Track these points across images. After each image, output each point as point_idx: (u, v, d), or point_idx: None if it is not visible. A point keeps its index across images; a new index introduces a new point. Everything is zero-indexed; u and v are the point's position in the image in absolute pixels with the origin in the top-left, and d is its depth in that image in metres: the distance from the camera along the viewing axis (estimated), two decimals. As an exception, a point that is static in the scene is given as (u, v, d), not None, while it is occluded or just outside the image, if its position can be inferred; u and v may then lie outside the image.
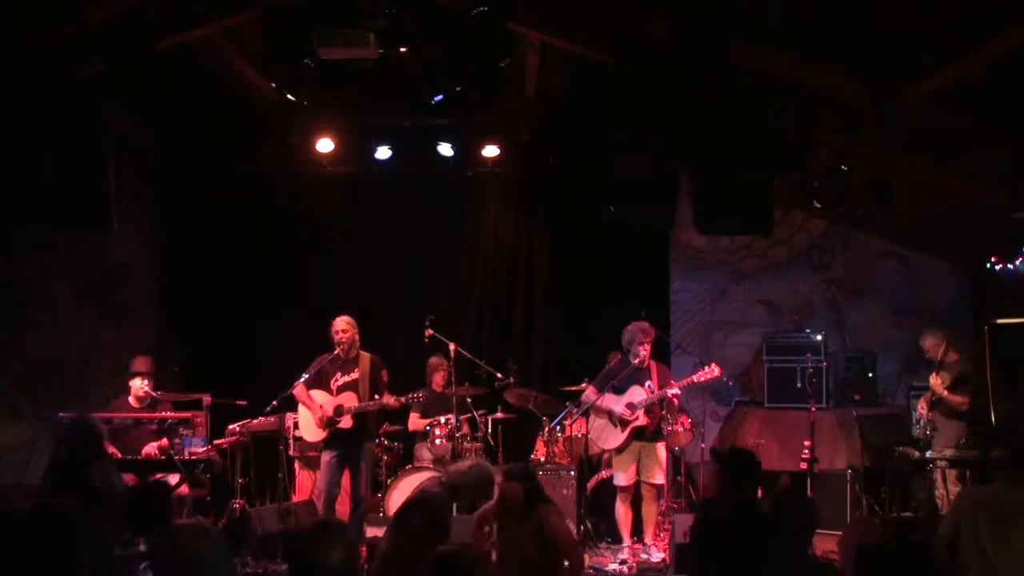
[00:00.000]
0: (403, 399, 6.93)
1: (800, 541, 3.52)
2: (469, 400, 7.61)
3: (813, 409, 7.21)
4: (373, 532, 5.85)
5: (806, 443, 7.00)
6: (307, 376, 6.82)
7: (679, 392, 6.77)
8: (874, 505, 7.43)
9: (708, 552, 3.52)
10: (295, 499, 7.41)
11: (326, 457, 6.79)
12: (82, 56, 6.11)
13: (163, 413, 7.05)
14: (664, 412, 6.83)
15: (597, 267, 8.75)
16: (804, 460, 6.96)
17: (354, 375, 6.86)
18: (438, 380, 7.69)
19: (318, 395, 6.89)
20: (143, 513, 4.07)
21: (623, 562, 6.67)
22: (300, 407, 6.94)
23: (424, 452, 7.51)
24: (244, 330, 8.69)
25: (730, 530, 3.47)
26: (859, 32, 5.38)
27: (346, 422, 6.74)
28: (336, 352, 6.84)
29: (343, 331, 6.85)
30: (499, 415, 7.73)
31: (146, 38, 6.06)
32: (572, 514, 7.08)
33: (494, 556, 4.80)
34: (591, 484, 7.40)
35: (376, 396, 6.81)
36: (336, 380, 6.86)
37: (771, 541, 3.19)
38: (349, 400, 6.80)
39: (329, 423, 6.77)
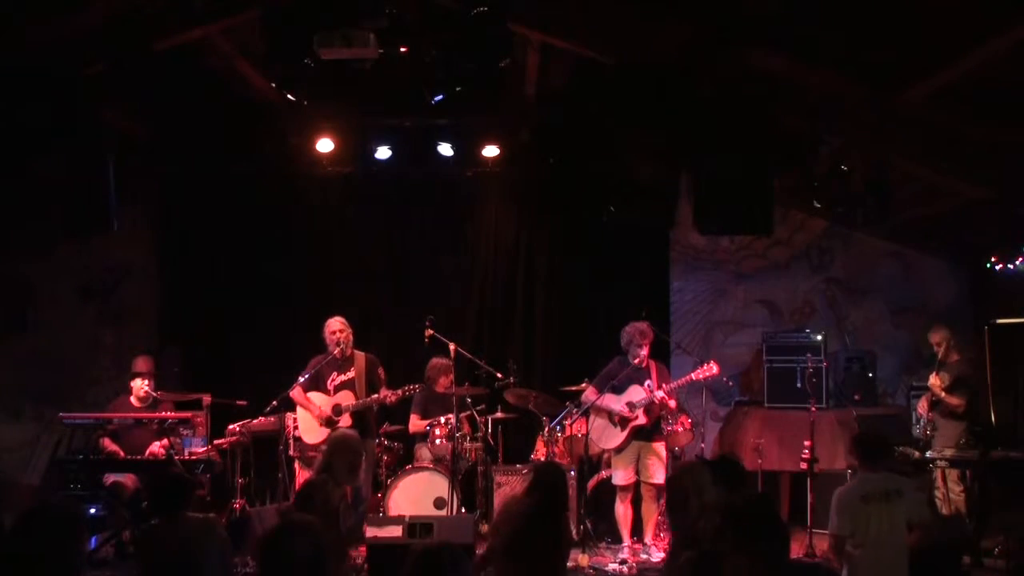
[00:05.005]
0: (399, 392, 6.95)
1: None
2: (469, 400, 7.60)
3: (813, 409, 7.21)
4: (373, 532, 5.83)
5: (806, 443, 7.00)
6: (305, 378, 6.84)
7: (666, 396, 6.73)
8: (874, 505, 7.42)
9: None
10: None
11: (325, 457, 6.81)
12: (82, 56, 6.11)
13: (164, 413, 7.06)
14: (663, 412, 6.83)
15: (597, 267, 8.75)
16: (804, 460, 6.96)
17: (350, 374, 6.90)
18: (443, 382, 7.62)
19: (316, 396, 6.92)
20: (161, 497, 4.20)
21: (623, 562, 6.67)
22: (299, 408, 6.96)
23: (424, 452, 7.50)
24: (244, 330, 8.69)
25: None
26: (859, 32, 5.38)
27: (345, 421, 6.76)
28: (332, 352, 6.87)
29: (339, 331, 6.90)
30: (499, 415, 7.72)
31: (146, 38, 6.06)
32: (572, 514, 7.09)
33: None
34: (591, 484, 7.40)
35: (372, 394, 6.84)
36: (333, 380, 6.90)
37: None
38: (346, 399, 6.83)
39: (328, 422, 6.79)
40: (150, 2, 5.97)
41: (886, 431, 7.68)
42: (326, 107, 7.27)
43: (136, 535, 5.89)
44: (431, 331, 7.28)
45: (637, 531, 7.01)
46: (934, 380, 7.36)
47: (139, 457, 7.00)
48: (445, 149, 7.87)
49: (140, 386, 7.26)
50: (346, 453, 5.17)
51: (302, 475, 7.60)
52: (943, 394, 7.28)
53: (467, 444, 7.35)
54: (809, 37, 5.63)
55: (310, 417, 6.91)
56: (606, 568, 6.61)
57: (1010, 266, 7.85)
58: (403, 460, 7.62)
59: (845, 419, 7.87)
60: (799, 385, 7.86)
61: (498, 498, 7.18)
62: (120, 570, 6.49)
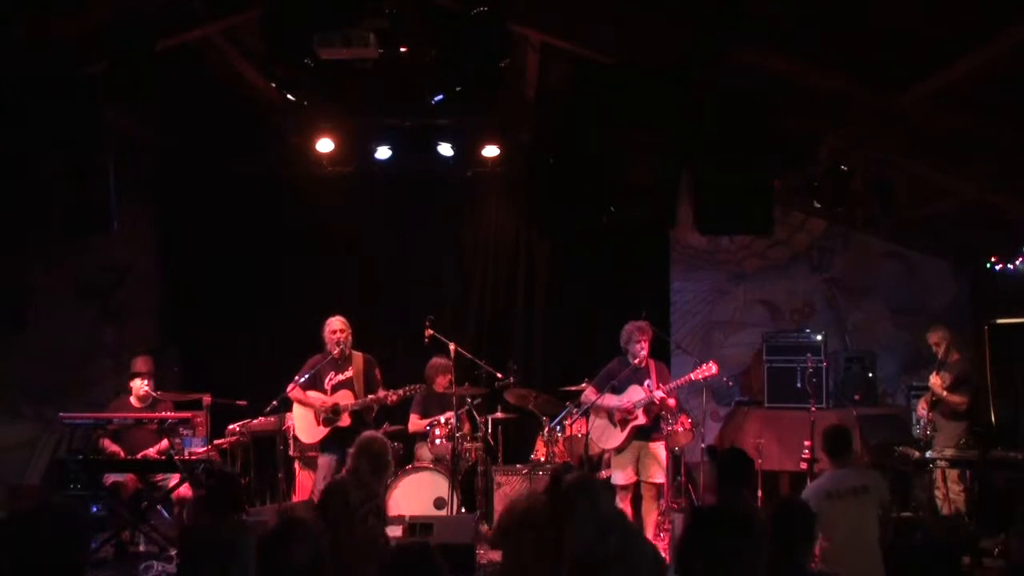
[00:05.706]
0: (400, 392, 6.96)
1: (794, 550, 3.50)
2: (469, 400, 7.60)
3: (813, 409, 7.21)
4: (372, 532, 5.84)
5: (806, 443, 6.99)
6: (304, 378, 6.84)
7: (664, 396, 6.73)
8: (874, 505, 7.42)
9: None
10: (295, 499, 7.41)
11: (324, 459, 6.83)
12: (82, 56, 6.11)
13: (163, 413, 7.07)
14: (662, 411, 6.83)
15: (597, 267, 8.75)
16: (804, 460, 6.95)
17: (348, 374, 6.93)
18: (442, 382, 7.64)
19: (313, 396, 6.93)
20: (218, 496, 4.36)
21: (623, 562, 6.66)
22: (295, 408, 6.96)
23: (424, 452, 7.51)
24: (244, 330, 8.71)
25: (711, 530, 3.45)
26: (859, 32, 5.38)
27: (344, 420, 6.77)
28: (332, 352, 6.88)
29: (339, 331, 6.92)
30: (499, 415, 7.72)
31: (146, 38, 6.06)
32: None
33: None
34: (591, 484, 7.39)
35: (370, 394, 6.85)
36: (331, 380, 6.92)
37: (753, 544, 3.15)
38: (345, 398, 6.84)
39: (328, 422, 6.79)
40: (150, 2, 5.97)
41: (886, 431, 7.71)
42: (326, 107, 7.26)
43: (182, 529, 5.99)
44: (431, 331, 7.28)
45: (637, 531, 7.01)
46: (935, 380, 7.36)
47: (139, 457, 7.00)
48: (445, 149, 7.86)
49: (140, 386, 7.26)
50: (371, 455, 5.16)
51: (302, 475, 7.62)
52: (944, 393, 7.28)
53: (467, 444, 7.35)
54: (809, 37, 5.63)
55: (305, 417, 6.92)
56: (606, 568, 6.60)
57: (1010, 266, 7.85)
58: (403, 460, 7.63)
59: (845, 419, 7.86)
60: (799, 385, 7.86)
61: (498, 498, 7.18)
62: (120, 570, 6.49)
